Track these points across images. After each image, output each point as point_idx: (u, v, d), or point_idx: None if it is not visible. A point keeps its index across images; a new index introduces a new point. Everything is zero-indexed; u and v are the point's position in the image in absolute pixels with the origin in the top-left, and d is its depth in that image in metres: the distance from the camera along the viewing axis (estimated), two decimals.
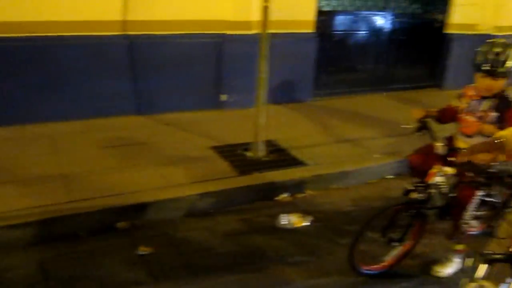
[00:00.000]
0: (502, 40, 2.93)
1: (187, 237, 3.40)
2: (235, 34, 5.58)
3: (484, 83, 2.90)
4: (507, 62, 2.82)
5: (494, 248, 2.04)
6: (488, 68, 2.83)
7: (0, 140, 4.51)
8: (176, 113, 5.44)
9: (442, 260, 3.24)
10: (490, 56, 2.83)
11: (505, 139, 2.05)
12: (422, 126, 3.04)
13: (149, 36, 5.22)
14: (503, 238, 1.95)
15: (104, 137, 4.73)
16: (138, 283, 2.89)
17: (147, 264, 3.07)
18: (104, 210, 3.42)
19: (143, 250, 3.18)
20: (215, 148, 4.57)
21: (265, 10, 4.02)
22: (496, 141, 2.08)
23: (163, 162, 4.20)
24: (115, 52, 5.11)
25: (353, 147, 4.90)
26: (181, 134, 4.93)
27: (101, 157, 4.26)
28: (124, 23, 5.06)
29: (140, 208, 3.52)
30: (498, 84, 2.89)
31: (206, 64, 5.61)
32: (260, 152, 4.41)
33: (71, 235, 3.28)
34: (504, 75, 2.86)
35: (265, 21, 4.05)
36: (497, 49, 2.83)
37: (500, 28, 7.63)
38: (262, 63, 4.14)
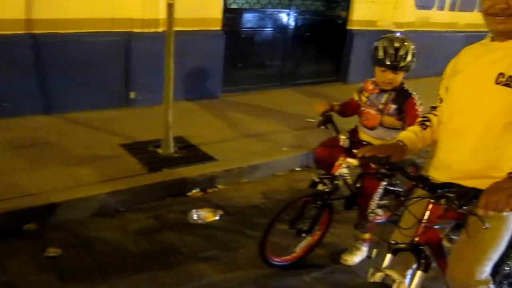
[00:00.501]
0: (401, 37, 3.06)
1: (98, 237, 3.37)
2: (143, 32, 5.56)
3: (386, 77, 2.98)
4: (407, 56, 2.94)
5: (398, 237, 2.10)
6: (389, 63, 2.92)
7: None
8: (85, 112, 5.33)
9: (350, 249, 3.35)
10: (390, 51, 2.93)
11: (404, 144, 2.20)
12: (326, 120, 3.11)
13: (55, 35, 5.09)
14: (406, 229, 2.02)
15: (11, 138, 4.57)
16: (47, 287, 2.84)
17: (56, 266, 3.02)
18: (10, 212, 3.33)
19: (52, 252, 3.13)
20: (125, 146, 4.56)
21: (170, 7, 4.05)
22: (397, 144, 2.20)
23: (71, 161, 4.14)
24: (19, 51, 4.95)
25: (262, 141, 5.04)
26: (90, 133, 4.86)
27: (7, 158, 4.13)
28: (28, 22, 4.90)
29: (48, 209, 3.46)
30: (399, 77, 2.99)
31: (115, 62, 5.55)
32: (170, 148, 4.44)
33: None
34: (404, 68, 2.96)
35: (170, 19, 4.08)
36: (397, 44, 2.94)
37: (399, 24, 8.10)
38: (168, 60, 4.17)
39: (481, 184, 1.78)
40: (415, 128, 2.31)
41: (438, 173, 2.16)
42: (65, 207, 3.53)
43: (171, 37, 4.12)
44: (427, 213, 1.97)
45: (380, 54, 2.96)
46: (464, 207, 1.80)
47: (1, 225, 3.29)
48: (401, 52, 2.94)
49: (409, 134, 2.28)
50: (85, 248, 3.25)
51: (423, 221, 1.97)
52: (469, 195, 1.78)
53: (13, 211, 3.34)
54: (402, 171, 2.06)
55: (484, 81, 1.98)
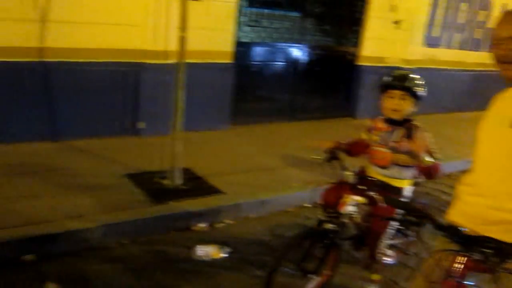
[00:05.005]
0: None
1: (98, 272, 3.26)
2: (153, 63, 5.56)
3: (392, 102, 2.93)
4: (414, 79, 2.92)
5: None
6: (396, 82, 2.91)
7: None
8: (91, 140, 5.29)
9: None
10: (397, 74, 2.94)
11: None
12: (332, 157, 3.04)
13: (65, 63, 5.09)
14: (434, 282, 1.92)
15: (15, 163, 4.52)
16: None
17: None
18: (9, 241, 3.24)
19: (49, 286, 3.01)
20: (130, 175, 4.48)
21: (182, 40, 4.05)
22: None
23: (74, 190, 4.05)
24: (30, 79, 4.95)
25: (270, 175, 4.96)
26: (95, 161, 4.79)
27: (10, 184, 4.06)
28: (41, 50, 4.91)
29: (48, 239, 3.37)
30: (406, 104, 2.93)
31: (123, 92, 5.54)
32: (177, 180, 4.36)
33: None
34: (410, 91, 2.91)
35: (182, 51, 4.06)
36: (402, 72, 2.97)
37: (407, 61, 8.08)
38: (178, 92, 4.14)
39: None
40: None
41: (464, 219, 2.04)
42: (65, 237, 3.44)
43: (182, 69, 4.10)
44: (457, 266, 1.86)
45: (387, 78, 2.96)
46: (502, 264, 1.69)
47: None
48: (408, 75, 2.94)
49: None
50: (83, 283, 3.13)
51: (453, 274, 1.86)
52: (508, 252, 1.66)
53: (12, 240, 3.26)
54: (430, 219, 1.90)
55: (500, 126, 1.90)
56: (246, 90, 6.71)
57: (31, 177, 4.26)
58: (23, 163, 4.58)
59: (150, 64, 5.56)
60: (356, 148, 3.24)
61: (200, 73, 5.60)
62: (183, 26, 4.04)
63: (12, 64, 4.83)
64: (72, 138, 5.26)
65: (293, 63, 7.24)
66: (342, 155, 3.11)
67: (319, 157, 3.08)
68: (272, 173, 5.03)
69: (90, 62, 5.23)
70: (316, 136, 6.49)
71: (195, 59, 5.39)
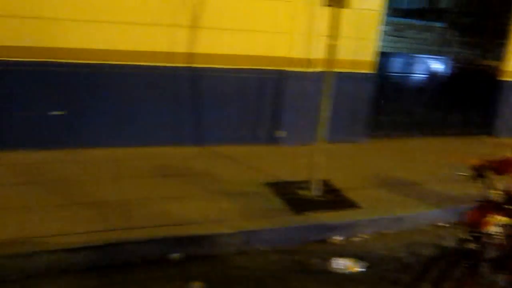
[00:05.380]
0: None
1: (239, 275, 3.35)
2: (295, 71, 5.59)
3: None
4: None
5: None
6: None
7: (63, 163, 4.65)
8: (232, 146, 5.46)
9: None
10: None
11: None
12: (478, 174, 2.92)
13: (211, 69, 5.29)
14: None
15: (162, 165, 4.80)
16: None
17: None
18: (157, 239, 3.43)
19: (195, 286, 3.14)
20: (270, 184, 4.54)
21: (332, 48, 4.02)
22: None
23: (218, 195, 4.20)
24: (178, 83, 5.22)
25: (407, 191, 4.78)
26: (236, 167, 4.94)
27: (159, 185, 4.31)
28: (190, 56, 5.15)
29: (194, 240, 3.51)
30: None
31: (266, 99, 5.64)
32: (315, 191, 4.35)
33: (124, 262, 3.29)
34: None
35: (331, 60, 4.05)
36: None
37: None
38: (325, 101, 4.13)
39: None
40: None
41: None
42: (209, 240, 3.56)
43: (330, 78, 4.09)
44: None
45: None
46: None
47: (149, 251, 3.39)
48: None
49: None
50: (226, 285, 3.23)
51: None
52: None
53: (159, 239, 3.44)
54: None
55: None
56: (384, 102, 6.55)
57: (177, 179, 4.48)
58: (169, 165, 4.83)
59: (293, 72, 5.61)
60: (504, 167, 3.04)
61: (342, 82, 5.52)
62: (333, 34, 4.02)
63: (159, 69, 5.11)
64: (215, 144, 5.45)
65: (432, 75, 6.98)
66: (489, 173, 2.96)
67: (465, 174, 2.96)
68: (410, 189, 4.85)
69: (235, 68, 5.39)
70: (455, 152, 6.22)
71: (339, 68, 5.34)
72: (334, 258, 3.63)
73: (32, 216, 3.55)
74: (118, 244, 3.32)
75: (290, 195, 4.34)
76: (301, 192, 4.39)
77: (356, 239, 4.05)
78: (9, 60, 4.68)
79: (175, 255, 3.43)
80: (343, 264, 3.58)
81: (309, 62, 5.53)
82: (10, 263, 3.09)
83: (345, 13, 4.02)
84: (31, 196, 3.88)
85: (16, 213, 3.59)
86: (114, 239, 3.34)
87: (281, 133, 5.75)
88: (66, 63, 4.84)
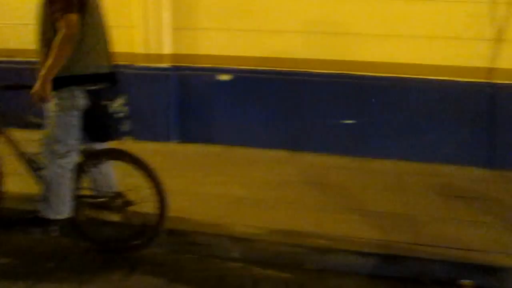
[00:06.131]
0: None
1: None
2: None
3: None
4: None
5: None
6: None
7: (349, 170, 4.83)
8: None
9: None
10: None
11: None
12: None
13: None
14: None
15: (448, 185, 4.58)
16: None
17: None
18: (446, 261, 3.25)
19: None
20: None
21: None
22: None
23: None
24: (474, 100, 4.94)
25: None
26: None
27: (445, 205, 4.11)
28: (490, 71, 4.84)
29: (485, 270, 3.21)
30: None
31: None
32: None
33: (409, 278, 3.21)
34: None
35: None
36: None
37: None
38: None
39: None
40: None
41: None
42: (503, 272, 3.21)
43: None
44: None
45: None
46: None
47: (436, 272, 3.24)
48: None
49: None
50: None
51: None
52: None
53: (451, 261, 3.25)
54: None
55: None
56: None
57: (465, 202, 4.21)
58: (455, 186, 4.58)
59: None
60: None
61: None
62: None
63: (453, 84, 4.92)
64: (507, 167, 4.95)
65: None
66: None
67: None
68: None
69: None
70: None
71: None
72: None
73: (327, 216, 3.76)
74: (406, 258, 3.26)
75: None
76: None
77: None
78: (311, 72, 5.11)
79: (467, 282, 3.21)
80: None
81: None
82: (308, 255, 3.34)
83: None
84: (317, 197, 4.13)
85: (312, 211, 3.86)
86: (402, 251, 3.28)
87: None
88: (360, 75, 5.04)
